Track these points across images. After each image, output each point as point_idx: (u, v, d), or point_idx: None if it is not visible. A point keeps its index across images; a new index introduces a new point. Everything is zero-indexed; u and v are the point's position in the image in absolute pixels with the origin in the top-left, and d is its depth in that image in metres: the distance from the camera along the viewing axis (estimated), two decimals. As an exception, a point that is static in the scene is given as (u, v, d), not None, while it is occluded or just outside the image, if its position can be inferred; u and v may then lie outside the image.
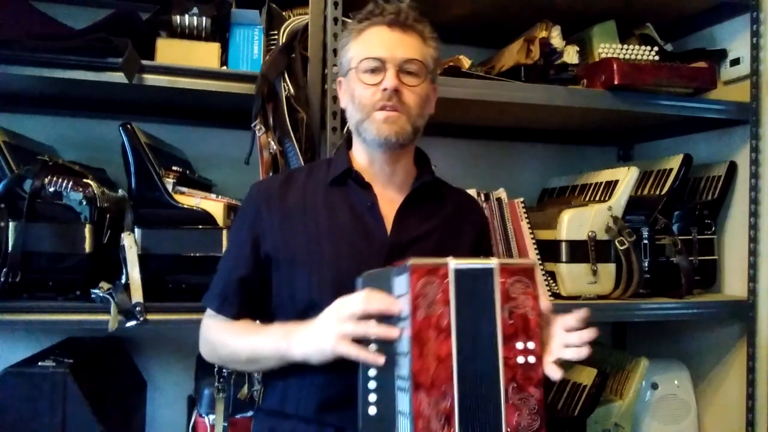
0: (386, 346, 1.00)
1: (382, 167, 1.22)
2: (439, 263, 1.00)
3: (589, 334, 1.06)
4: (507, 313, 1.03)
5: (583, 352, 1.05)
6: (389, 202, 1.21)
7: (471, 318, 1.01)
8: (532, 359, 1.03)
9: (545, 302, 1.08)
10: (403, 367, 0.98)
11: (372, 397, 0.99)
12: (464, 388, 0.99)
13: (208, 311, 1.23)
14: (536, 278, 1.06)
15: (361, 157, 1.24)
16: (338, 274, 1.11)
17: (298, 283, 1.15)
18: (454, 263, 1.00)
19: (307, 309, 1.12)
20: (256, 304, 1.19)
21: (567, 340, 1.06)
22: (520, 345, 1.03)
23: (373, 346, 1.01)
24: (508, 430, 1.00)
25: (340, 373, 1.05)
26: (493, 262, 1.03)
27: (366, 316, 1.00)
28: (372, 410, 0.99)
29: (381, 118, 1.15)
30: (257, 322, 1.21)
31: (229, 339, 1.17)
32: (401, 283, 1.00)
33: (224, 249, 1.30)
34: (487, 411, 1.01)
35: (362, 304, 1.00)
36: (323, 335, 1.02)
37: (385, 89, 1.13)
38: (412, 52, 1.16)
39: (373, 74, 1.15)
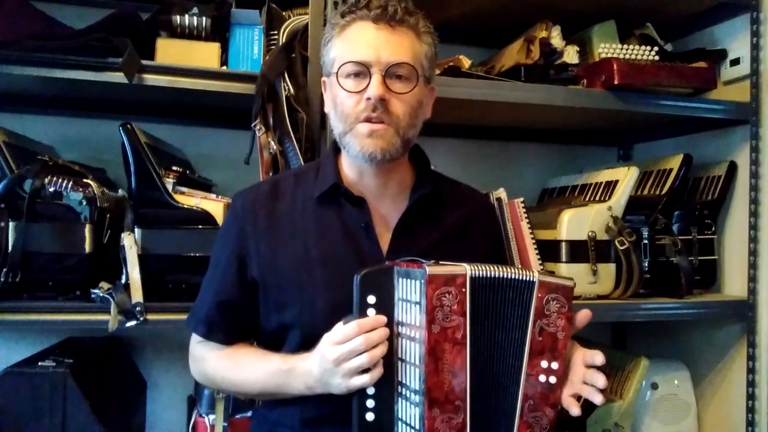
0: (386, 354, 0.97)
1: (373, 179, 1.14)
2: (456, 273, 0.95)
3: (603, 381, 1.02)
4: (538, 329, 1.00)
5: (599, 398, 1.01)
6: (383, 218, 1.14)
7: (493, 328, 0.99)
8: (553, 380, 1.01)
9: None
10: (412, 378, 0.95)
11: (370, 403, 0.97)
12: (478, 402, 0.97)
13: (196, 337, 1.17)
14: (571, 299, 1.02)
15: (349, 168, 1.15)
16: (331, 303, 1.05)
17: (289, 313, 1.09)
18: (471, 271, 0.96)
19: (300, 339, 1.08)
20: (245, 326, 1.14)
21: (587, 378, 1.02)
22: (544, 364, 1.01)
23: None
24: None
25: (334, 399, 1.01)
26: (534, 276, 1.00)
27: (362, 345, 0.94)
28: (369, 416, 0.97)
29: (365, 131, 1.04)
30: (254, 345, 1.16)
31: (232, 375, 1.11)
32: (410, 287, 0.96)
33: (209, 266, 1.20)
34: (500, 422, 0.99)
35: (360, 339, 0.94)
36: (332, 380, 0.97)
37: (369, 98, 1.02)
38: (401, 53, 1.04)
39: (356, 79, 1.04)
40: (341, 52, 1.07)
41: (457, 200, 1.22)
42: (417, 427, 0.95)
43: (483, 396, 0.98)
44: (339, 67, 1.06)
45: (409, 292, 0.96)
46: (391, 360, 0.97)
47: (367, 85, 1.03)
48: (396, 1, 1.05)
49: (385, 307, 0.98)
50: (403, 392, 0.97)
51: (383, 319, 0.96)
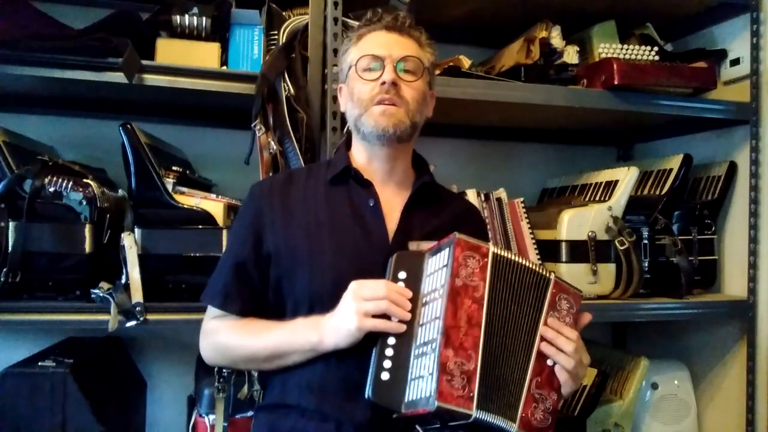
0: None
1: (381, 164, 1.24)
2: (480, 244, 1.06)
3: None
4: (551, 318, 1.09)
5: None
6: (388, 201, 1.22)
7: (509, 302, 1.06)
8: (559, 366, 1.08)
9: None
10: (432, 331, 1.01)
11: (387, 364, 1.03)
12: (489, 361, 1.02)
13: (210, 314, 1.22)
14: (580, 305, 1.12)
15: (359, 155, 1.25)
16: (339, 275, 1.12)
17: (299, 283, 1.15)
18: (493, 247, 1.07)
19: (308, 308, 1.13)
20: (259, 300, 1.19)
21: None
22: None
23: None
24: (523, 415, 1.03)
25: (340, 364, 1.08)
26: (551, 275, 1.11)
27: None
28: (385, 376, 1.02)
29: (379, 111, 1.17)
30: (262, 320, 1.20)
31: (245, 339, 1.16)
32: (439, 258, 1.05)
33: (224, 247, 1.30)
34: (508, 387, 1.04)
35: (385, 289, 1.04)
36: (347, 317, 1.05)
37: (383, 83, 1.16)
38: (409, 50, 1.21)
39: (371, 72, 1.19)
40: (358, 53, 1.22)
41: (450, 200, 1.34)
42: (431, 369, 0.98)
43: (494, 356, 1.03)
44: (357, 61, 1.21)
45: (438, 262, 1.06)
46: (412, 328, 1.04)
47: (381, 74, 1.18)
48: (404, 17, 1.25)
49: (413, 283, 1.07)
50: (421, 351, 1.02)
51: (409, 293, 1.06)
